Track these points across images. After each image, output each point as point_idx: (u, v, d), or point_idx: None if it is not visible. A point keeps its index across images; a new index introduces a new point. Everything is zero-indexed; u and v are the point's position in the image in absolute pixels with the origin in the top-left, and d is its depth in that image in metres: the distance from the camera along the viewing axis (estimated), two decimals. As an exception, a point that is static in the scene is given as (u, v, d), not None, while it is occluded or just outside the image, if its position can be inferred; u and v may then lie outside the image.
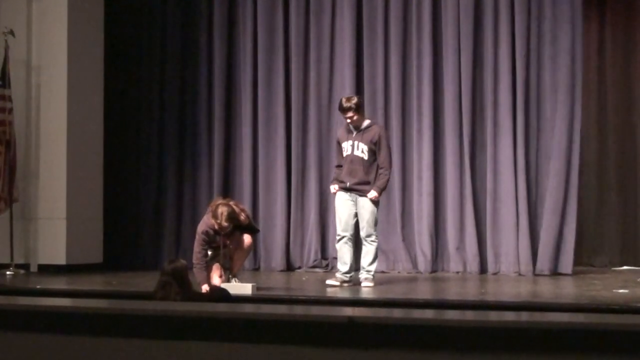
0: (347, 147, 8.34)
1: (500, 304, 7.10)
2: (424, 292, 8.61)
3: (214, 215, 7.62)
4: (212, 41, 10.97)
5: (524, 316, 4.77)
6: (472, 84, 10.07)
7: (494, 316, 4.68)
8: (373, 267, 8.33)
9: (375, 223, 8.31)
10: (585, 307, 6.73)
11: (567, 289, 8.16)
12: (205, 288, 7.47)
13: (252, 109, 10.76)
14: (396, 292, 8.12)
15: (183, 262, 5.89)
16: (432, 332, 3.74)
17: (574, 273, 9.55)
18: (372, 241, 8.28)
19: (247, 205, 10.67)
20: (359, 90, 10.29)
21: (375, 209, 8.28)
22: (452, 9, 10.13)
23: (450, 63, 10.12)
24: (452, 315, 4.83)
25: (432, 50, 10.20)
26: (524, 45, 9.87)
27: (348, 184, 8.30)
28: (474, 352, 3.66)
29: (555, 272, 9.57)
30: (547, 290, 8.42)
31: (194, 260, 7.64)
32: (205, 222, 7.75)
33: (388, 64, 10.39)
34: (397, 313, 4.96)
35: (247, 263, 10.58)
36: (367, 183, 8.26)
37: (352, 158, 8.29)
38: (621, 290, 7.92)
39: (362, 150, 8.26)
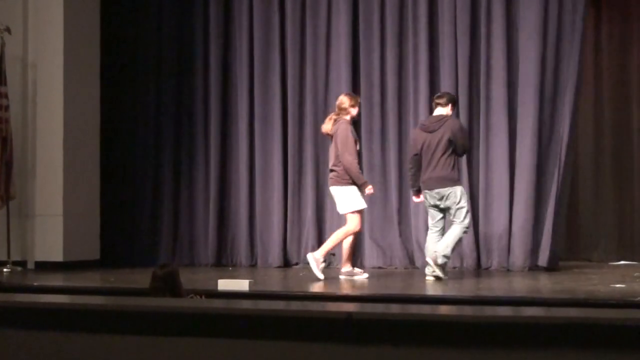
0: None
1: (497, 299, 7.12)
2: (421, 287, 8.62)
3: (345, 106, 8.69)
4: (208, 37, 10.96)
5: (522, 311, 4.78)
6: (469, 80, 10.06)
7: (490, 311, 4.68)
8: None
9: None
10: (582, 302, 6.75)
11: (564, 284, 8.17)
12: (369, 189, 8.57)
13: (249, 105, 10.76)
14: (394, 288, 8.14)
15: (175, 267, 5.82)
16: (429, 328, 3.75)
17: (571, 268, 9.56)
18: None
19: (244, 201, 10.71)
20: (355, 86, 10.29)
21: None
22: (449, 4, 10.12)
23: (446, 59, 10.11)
24: (449, 310, 4.84)
25: (428, 46, 10.19)
26: (524, 43, 9.87)
27: None
28: (471, 347, 3.67)
29: (551, 268, 9.57)
30: (543, 285, 8.43)
31: (355, 169, 8.55)
32: (342, 125, 8.58)
33: (384, 59, 10.38)
34: (396, 308, 4.96)
35: (244, 259, 10.61)
36: None
37: None
38: (618, 285, 7.94)
39: None
